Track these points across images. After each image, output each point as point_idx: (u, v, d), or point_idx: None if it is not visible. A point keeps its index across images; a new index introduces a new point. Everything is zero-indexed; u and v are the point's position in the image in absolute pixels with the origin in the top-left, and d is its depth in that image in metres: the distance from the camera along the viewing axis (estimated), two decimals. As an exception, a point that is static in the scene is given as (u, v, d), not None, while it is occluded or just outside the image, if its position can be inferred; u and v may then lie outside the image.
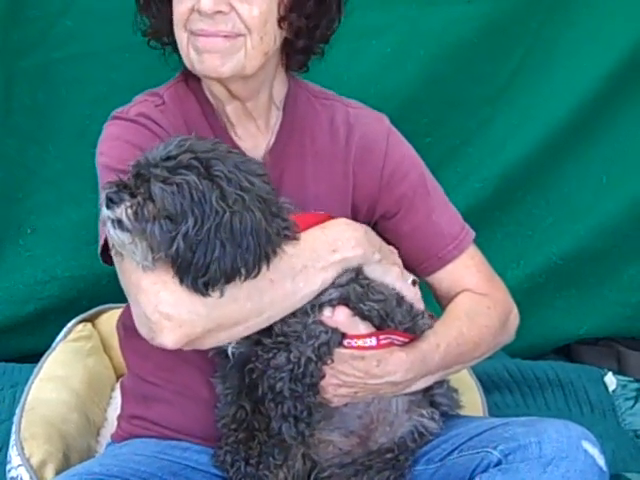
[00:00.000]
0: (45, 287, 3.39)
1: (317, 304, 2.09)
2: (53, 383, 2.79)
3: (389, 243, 2.40)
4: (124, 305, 2.40)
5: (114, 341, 2.69)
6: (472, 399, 2.90)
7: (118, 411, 2.55)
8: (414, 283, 2.29)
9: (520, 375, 3.35)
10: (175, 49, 2.27)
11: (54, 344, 3.00)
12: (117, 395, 2.84)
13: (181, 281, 1.97)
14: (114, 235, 1.97)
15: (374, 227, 2.41)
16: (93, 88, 3.26)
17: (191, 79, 2.32)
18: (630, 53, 3.46)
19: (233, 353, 2.14)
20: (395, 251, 2.31)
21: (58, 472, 2.43)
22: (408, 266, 2.40)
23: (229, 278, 1.97)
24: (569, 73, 3.48)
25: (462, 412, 2.43)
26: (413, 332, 2.20)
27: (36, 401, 2.70)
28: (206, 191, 1.95)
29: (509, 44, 3.46)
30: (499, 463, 2.07)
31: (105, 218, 1.97)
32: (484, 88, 3.48)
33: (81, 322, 3.11)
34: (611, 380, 3.38)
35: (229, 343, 2.12)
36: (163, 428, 2.36)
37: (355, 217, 2.35)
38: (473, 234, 2.46)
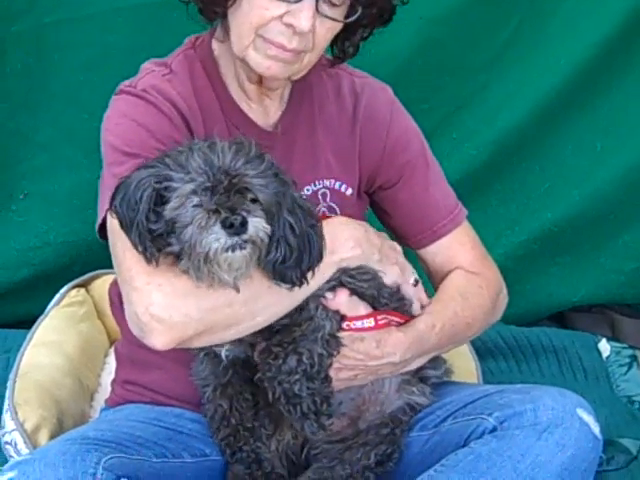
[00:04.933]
0: (38, 253, 3.38)
1: (314, 295, 2.08)
2: (46, 348, 2.80)
3: (384, 215, 2.42)
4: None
5: (107, 306, 2.69)
6: (466, 366, 2.92)
7: (112, 376, 2.57)
8: (416, 283, 2.28)
9: (514, 342, 3.37)
10: (210, 16, 2.20)
11: (47, 309, 2.99)
12: (111, 360, 2.86)
13: (285, 279, 1.96)
14: (239, 258, 1.88)
15: (371, 197, 2.42)
16: (85, 52, 3.24)
17: (199, 48, 2.29)
18: (624, 22, 3.43)
19: (227, 356, 2.14)
20: (398, 248, 2.30)
21: (52, 437, 2.45)
22: (402, 237, 2.42)
23: (319, 262, 1.99)
24: (564, 41, 3.46)
25: (456, 379, 2.45)
26: (403, 312, 2.21)
27: (29, 366, 2.70)
28: (286, 185, 1.96)
29: (505, 11, 3.43)
30: (494, 430, 2.08)
31: (223, 247, 1.85)
32: (480, 54, 3.47)
33: (74, 287, 3.10)
34: (605, 347, 3.39)
35: (222, 346, 2.11)
36: (157, 394, 2.37)
37: (358, 186, 2.36)
38: (466, 212, 2.46)
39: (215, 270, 1.89)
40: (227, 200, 1.86)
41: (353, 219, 2.23)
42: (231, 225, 1.84)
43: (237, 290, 1.94)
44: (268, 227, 1.89)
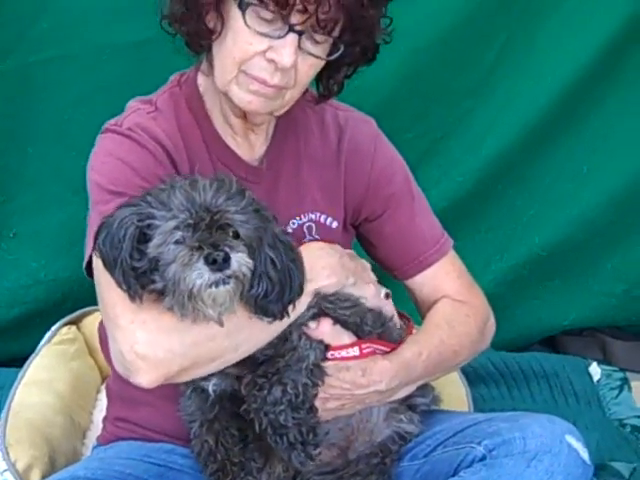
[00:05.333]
0: (29, 291, 3.38)
1: (297, 324, 2.10)
2: (37, 387, 2.79)
3: (370, 246, 2.44)
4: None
5: (98, 343, 2.69)
6: (457, 393, 2.92)
7: (104, 413, 2.56)
8: (387, 296, 2.31)
9: (505, 367, 3.37)
10: (196, 49, 2.21)
11: (38, 348, 2.99)
12: (103, 397, 2.85)
13: (267, 313, 1.98)
14: (223, 293, 1.89)
15: (357, 230, 2.44)
16: (71, 90, 3.25)
17: (185, 85, 2.31)
18: (609, 44, 3.45)
19: (214, 390, 2.14)
20: (368, 267, 2.32)
21: (44, 476, 2.45)
22: (389, 268, 2.45)
23: (300, 295, 2.01)
24: (547, 66, 3.48)
25: (447, 406, 2.46)
26: (389, 339, 2.23)
27: (21, 405, 2.70)
28: (266, 220, 1.99)
29: (487, 37, 3.45)
30: (483, 458, 2.08)
31: (207, 284, 1.87)
32: (463, 82, 3.48)
33: (65, 325, 3.10)
34: (595, 370, 3.39)
35: (209, 381, 2.12)
36: (148, 430, 2.37)
37: (344, 219, 2.38)
38: (452, 241, 2.48)
39: (200, 306, 1.90)
40: (209, 236, 1.88)
41: (327, 244, 2.25)
42: (214, 261, 1.86)
43: (221, 325, 1.95)
44: (250, 262, 1.90)
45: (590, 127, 3.61)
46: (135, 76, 3.16)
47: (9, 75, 3.22)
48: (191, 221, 1.90)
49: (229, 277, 1.88)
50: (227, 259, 1.86)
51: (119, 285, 1.95)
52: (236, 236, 1.92)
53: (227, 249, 1.87)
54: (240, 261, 1.88)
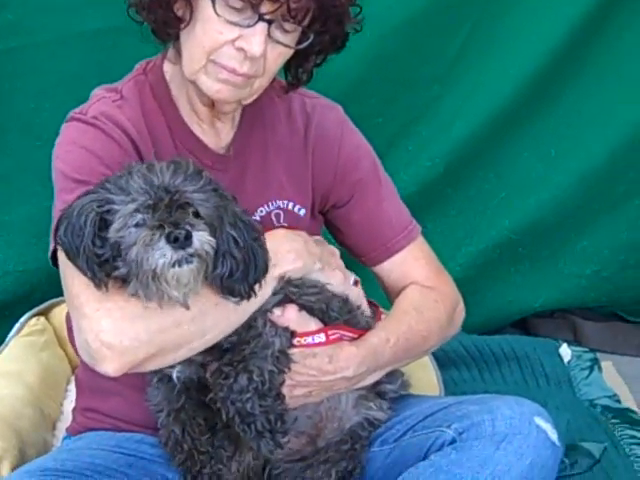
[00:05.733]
0: (-3, 282, 3.36)
1: (262, 311, 2.09)
2: (6, 379, 2.77)
3: (338, 233, 2.44)
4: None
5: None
6: (428, 377, 2.93)
7: (73, 404, 2.55)
8: (356, 283, 2.30)
9: (476, 350, 3.38)
10: (162, 37, 2.20)
11: (7, 339, 2.98)
12: (72, 388, 2.83)
13: (233, 293, 1.97)
14: (186, 272, 1.88)
15: (325, 217, 2.44)
16: (37, 80, 3.21)
17: (150, 73, 2.29)
18: (576, 27, 3.48)
19: (178, 377, 2.13)
20: (336, 253, 2.31)
21: (14, 468, 2.42)
22: (357, 255, 2.44)
23: (265, 275, 2.01)
24: (515, 49, 3.50)
25: (418, 391, 2.45)
26: (356, 325, 2.22)
27: (-11, 398, 2.68)
28: (226, 199, 1.98)
29: (454, 22, 3.46)
30: (453, 441, 2.09)
31: (170, 262, 1.85)
32: (431, 66, 3.49)
33: (34, 316, 3.09)
34: (566, 351, 3.41)
35: (173, 368, 2.11)
36: (117, 420, 2.36)
37: (312, 206, 2.38)
38: (420, 227, 2.48)
39: (164, 287, 1.89)
40: (169, 216, 1.88)
41: (292, 230, 2.24)
42: (176, 239, 1.85)
43: (187, 307, 1.95)
44: (213, 240, 1.90)
45: (557, 111, 3.64)
46: (102, 65, 3.14)
47: (-27, 64, 3.19)
48: (150, 202, 1.89)
49: (192, 256, 1.87)
50: (189, 237, 1.86)
51: (83, 273, 1.94)
52: (196, 215, 1.91)
53: (188, 227, 1.86)
54: (202, 239, 1.87)
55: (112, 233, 1.90)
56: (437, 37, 3.45)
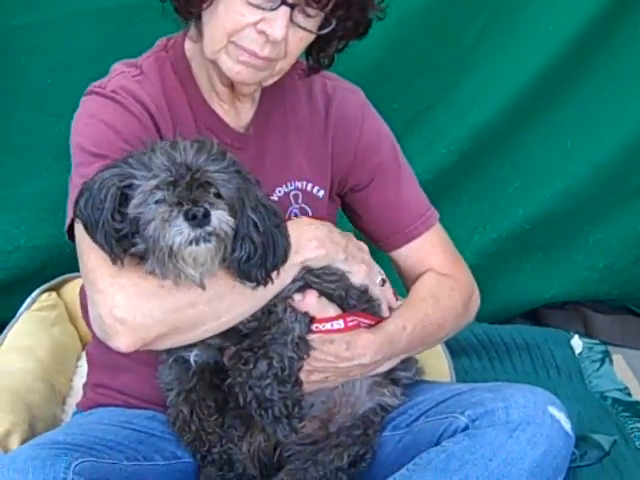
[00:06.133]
0: (9, 257, 3.35)
1: (282, 297, 2.08)
2: (17, 353, 2.78)
3: (355, 217, 2.43)
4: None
5: (79, 310, 2.67)
6: (439, 364, 2.93)
7: (84, 380, 2.55)
8: (383, 282, 2.28)
9: (487, 339, 3.37)
10: (185, 15, 2.17)
11: (18, 314, 2.98)
12: (83, 364, 2.85)
13: (250, 278, 1.96)
14: (204, 251, 1.87)
15: (342, 200, 2.43)
16: (52, 55, 3.21)
17: (171, 50, 2.28)
18: (594, 18, 3.45)
19: (196, 361, 2.13)
20: (365, 248, 2.29)
21: (23, 441, 2.42)
22: (374, 239, 2.43)
23: (284, 262, 1.99)
24: (533, 37, 3.48)
25: (429, 377, 2.44)
26: (372, 314, 2.21)
27: (0, 371, 2.68)
28: (249, 183, 1.97)
29: (473, 8, 3.44)
30: (466, 428, 2.08)
31: (186, 240, 1.85)
32: (449, 53, 3.47)
33: (46, 291, 3.09)
34: (577, 343, 3.40)
35: (191, 351, 2.10)
36: (128, 397, 2.36)
37: (330, 188, 2.37)
38: (438, 214, 2.47)
39: (180, 265, 1.88)
40: (189, 193, 1.86)
41: (317, 220, 2.23)
42: (194, 217, 1.84)
43: (202, 287, 1.94)
44: (232, 220, 1.88)
45: (574, 102, 3.61)
46: (117, 41, 3.14)
47: (-12, 40, 3.18)
48: (171, 179, 1.88)
49: (210, 234, 1.86)
50: (207, 215, 1.84)
51: (101, 247, 1.93)
52: (217, 195, 1.90)
53: (207, 205, 1.85)
54: (221, 218, 1.86)
55: (131, 208, 1.89)
56: (455, 24, 3.44)
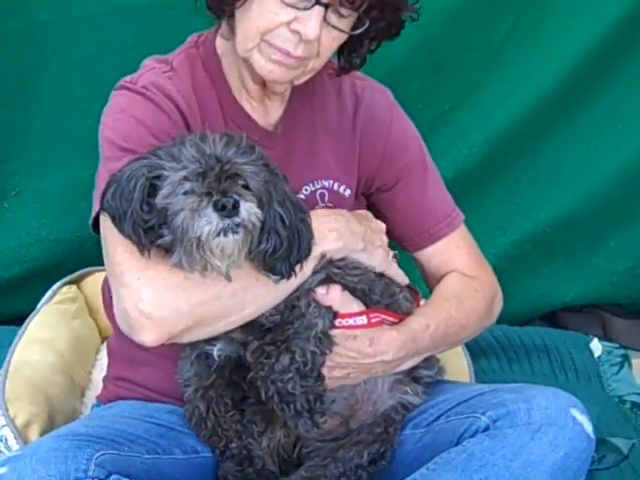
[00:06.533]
0: (30, 250, 3.36)
1: (305, 290, 2.08)
2: (38, 345, 2.79)
3: (381, 217, 2.41)
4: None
5: (99, 303, 2.68)
6: (459, 364, 2.92)
7: (103, 373, 2.57)
8: (395, 257, 2.29)
9: (506, 341, 3.36)
10: (217, 13, 2.18)
11: (39, 306, 2.98)
12: (102, 357, 2.86)
13: (274, 271, 1.96)
14: (231, 242, 1.88)
15: (368, 199, 2.43)
16: (79, 50, 3.22)
17: (202, 47, 2.29)
18: (620, 20, 3.43)
19: (219, 355, 2.13)
20: (382, 228, 2.30)
21: (43, 433, 2.44)
22: (399, 239, 2.43)
23: (307, 256, 2.00)
24: (560, 39, 3.46)
25: (449, 377, 2.45)
26: (395, 310, 2.22)
27: (20, 363, 2.69)
28: (276, 176, 1.98)
29: (500, 9, 3.43)
30: (487, 429, 2.08)
31: (215, 230, 1.85)
32: (475, 53, 3.45)
33: (66, 284, 3.10)
34: (596, 346, 3.38)
35: (214, 346, 2.11)
36: (149, 390, 2.36)
37: (356, 188, 2.37)
38: (463, 216, 2.47)
39: (208, 256, 1.89)
40: (219, 184, 1.87)
41: (334, 210, 2.24)
42: (223, 207, 1.84)
43: (229, 279, 1.94)
44: (259, 212, 1.89)
45: (599, 105, 3.59)
46: (145, 37, 3.15)
47: (16, 33, 3.19)
48: (200, 170, 1.88)
49: (238, 226, 1.86)
50: (236, 206, 1.85)
51: (128, 238, 1.93)
52: (246, 187, 1.90)
53: (236, 196, 1.86)
54: (249, 210, 1.87)
55: (160, 199, 1.90)
56: (482, 24, 3.42)
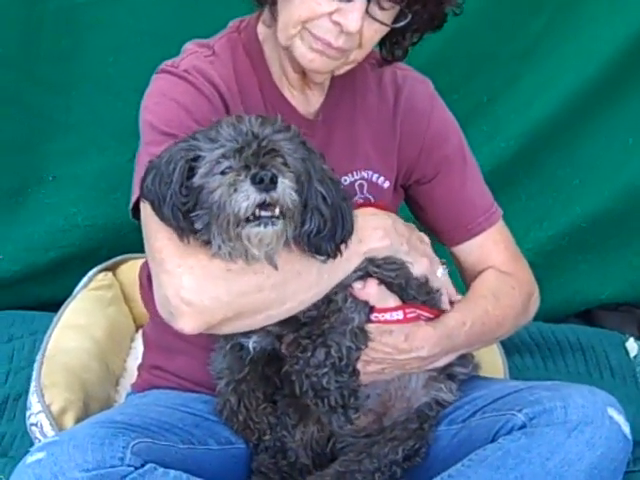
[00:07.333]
0: (66, 235, 3.37)
1: (343, 285, 2.07)
2: (74, 331, 2.80)
3: (419, 210, 2.42)
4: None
5: (134, 291, 2.69)
6: (493, 360, 2.91)
7: (138, 361, 2.57)
8: (443, 275, 2.27)
9: (541, 338, 3.34)
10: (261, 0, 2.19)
11: (75, 292, 3.00)
12: (137, 345, 2.87)
13: (320, 251, 1.95)
14: (269, 233, 1.86)
15: (406, 192, 2.41)
16: (117, 34, 3.23)
17: (244, 32, 2.28)
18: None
19: (254, 348, 2.12)
20: (427, 240, 2.28)
21: (78, 420, 2.46)
22: (436, 233, 2.41)
23: (351, 235, 1.98)
24: (597, 33, 3.42)
25: (483, 373, 2.43)
26: (432, 307, 2.20)
27: (57, 349, 2.71)
28: (314, 155, 1.96)
29: (537, 3, 3.40)
30: (523, 426, 2.06)
31: (252, 204, 1.83)
32: (512, 45, 3.43)
33: (102, 271, 3.11)
34: (632, 346, 3.35)
35: (249, 338, 2.10)
36: (184, 380, 2.37)
37: (395, 179, 2.35)
38: (501, 211, 2.45)
39: (245, 245, 1.87)
40: (257, 159, 1.86)
41: (382, 210, 2.22)
42: (261, 180, 1.82)
43: (275, 267, 1.93)
44: (294, 193, 1.86)
45: (636, 99, 3.55)
46: (182, 22, 3.16)
47: (54, 15, 3.20)
48: (237, 147, 1.87)
49: (277, 218, 1.85)
50: (274, 180, 1.82)
51: (167, 223, 1.93)
52: (284, 164, 1.89)
53: (275, 170, 1.84)
54: (286, 188, 1.85)
55: (197, 179, 1.89)
56: (520, 14, 3.39)
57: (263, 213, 1.85)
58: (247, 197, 1.82)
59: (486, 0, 3.32)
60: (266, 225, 1.85)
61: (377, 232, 2.12)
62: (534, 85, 3.47)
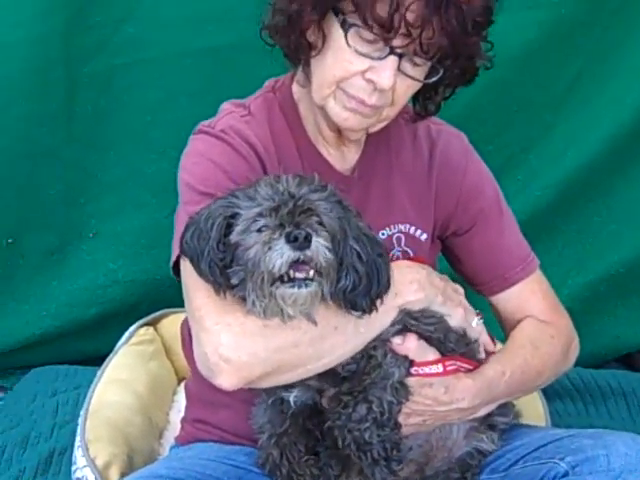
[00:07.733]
0: (107, 291, 3.43)
1: (381, 340, 2.08)
2: (116, 386, 2.82)
3: (456, 261, 2.43)
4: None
5: (176, 345, 2.72)
6: (535, 407, 2.89)
7: (181, 414, 2.58)
8: (478, 315, 2.27)
9: (582, 383, 3.32)
10: (294, 61, 2.21)
11: (117, 347, 3.03)
12: (179, 399, 2.88)
13: (355, 307, 1.96)
14: (303, 294, 1.88)
15: (443, 243, 2.44)
16: (154, 94, 3.29)
17: (279, 92, 2.32)
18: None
19: (295, 402, 2.13)
20: (461, 290, 2.29)
21: (122, 473, 2.47)
22: (474, 283, 2.43)
23: (387, 290, 1.99)
24: (630, 79, 3.46)
25: (524, 420, 2.42)
26: (471, 358, 2.20)
27: (100, 404, 2.73)
28: (350, 213, 1.98)
29: (569, 51, 3.44)
30: (566, 474, 2.05)
31: (285, 262, 1.84)
32: (546, 95, 3.47)
33: (143, 326, 3.14)
34: (674, 391, 3.34)
35: (290, 392, 2.11)
36: (226, 433, 2.37)
37: (432, 232, 2.37)
38: (538, 261, 2.45)
39: (280, 305, 1.89)
40: (292, 218, 1.88)
41: (416, 262, 2.23)
42: (295, 239, 1.84)
43: (314, 323, 1.95)
44: (330, 254, 1.88)
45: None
46: (215, 81, 3.21)
47: (93, 77, 3.27)
48: (274, 205, 1.90)
49: (311, 280, 1.86)
50: (308, 238, 1.84)
51: (205, 278, 1.95)
52: (319, 224, 1.90)
53: (309, 230, 1.86)
54: (320, 247, 1.86)
55: (234, 235, 1.91)
56: (553, 65, 3.44)
57: (297, 275, 1.86)
58: (281, 255, 1.84)
59: (518, 51, 3.36)
60: (300, 286, 1.87)
61: (412, 285, 2.13)
62: (568, 134, 3.50)
